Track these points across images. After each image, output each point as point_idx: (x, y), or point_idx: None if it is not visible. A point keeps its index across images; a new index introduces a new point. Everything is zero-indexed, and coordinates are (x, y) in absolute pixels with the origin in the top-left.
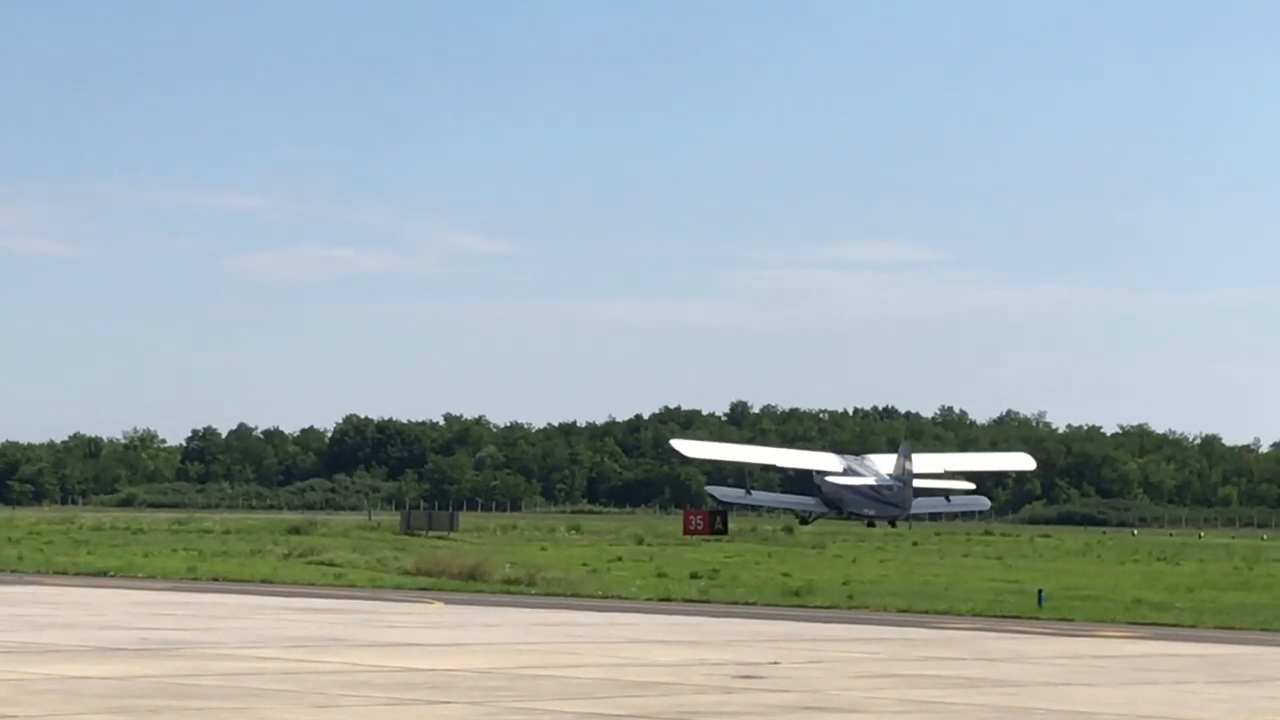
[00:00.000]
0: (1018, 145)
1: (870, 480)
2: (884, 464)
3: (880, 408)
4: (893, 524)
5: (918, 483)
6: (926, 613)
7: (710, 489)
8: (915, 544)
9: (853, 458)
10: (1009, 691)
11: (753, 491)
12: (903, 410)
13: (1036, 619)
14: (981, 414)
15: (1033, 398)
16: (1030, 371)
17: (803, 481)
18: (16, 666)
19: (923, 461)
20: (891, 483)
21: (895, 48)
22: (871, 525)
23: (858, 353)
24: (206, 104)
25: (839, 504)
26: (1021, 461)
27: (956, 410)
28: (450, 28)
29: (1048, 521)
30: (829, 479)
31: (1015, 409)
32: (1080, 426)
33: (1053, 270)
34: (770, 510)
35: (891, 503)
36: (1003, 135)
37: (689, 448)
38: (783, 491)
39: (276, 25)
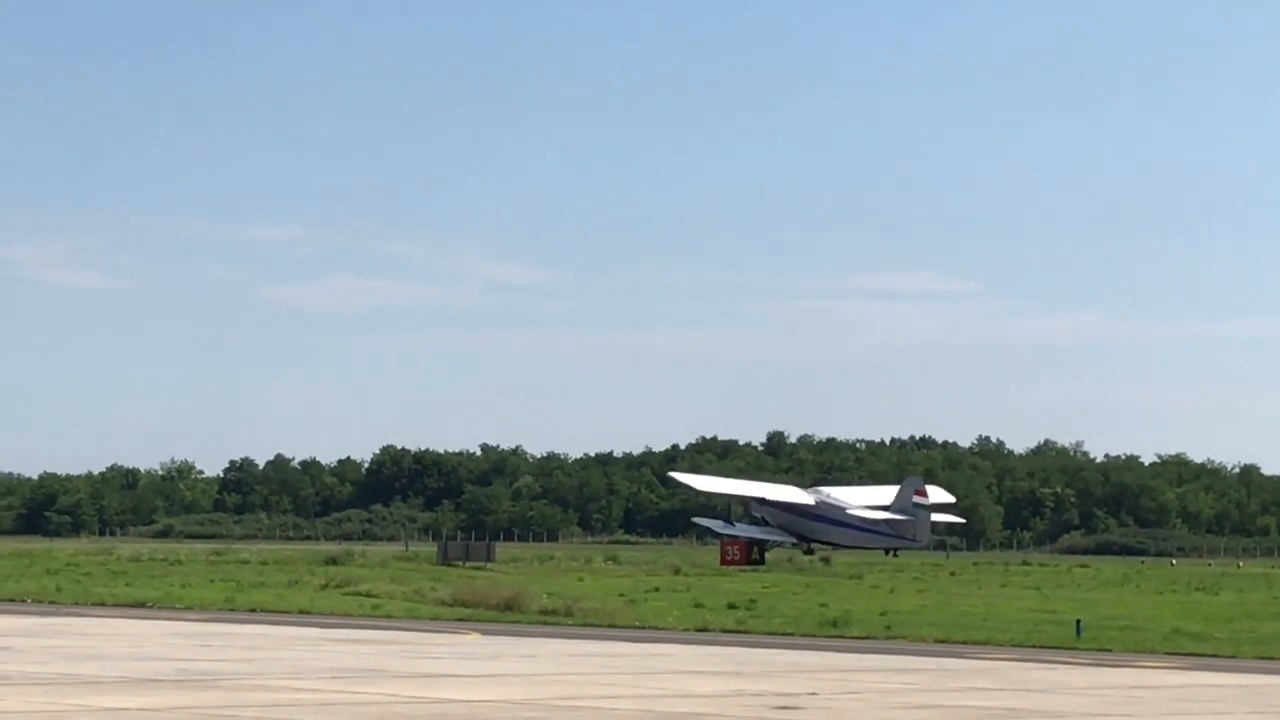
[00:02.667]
0: (1053, 175)
1: (883, 514)
2: (846, 496)
3: (917, 437)
4: (894, 554)
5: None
6: (964, 643)
7: (696, 519)
8: (953, 574)
9: (817, 490)
10: None
11: (735, 523)
12: (940, 440)
13: (1075, 649)
14: (1019, 444)
15: (1070, 427)
16: (1068, 401)
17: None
18: (54, 698)
19: (846, 495)
20: (903, 517)
21: (929, 79)
22: (810, 553)
23: (895, 383)
24: (240, 135)
25: (807, 534)
26: (937, 495)
27: (994, 440)
28: (484, 59)
29: (1086, 551)
30: (851, 511)
31: (1053, 438)
32: (1118, 456)
33: (1090, 299)
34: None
35: (901, 535)
36: (1038, 165)
37: (688, 479)
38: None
39: (311, 57)
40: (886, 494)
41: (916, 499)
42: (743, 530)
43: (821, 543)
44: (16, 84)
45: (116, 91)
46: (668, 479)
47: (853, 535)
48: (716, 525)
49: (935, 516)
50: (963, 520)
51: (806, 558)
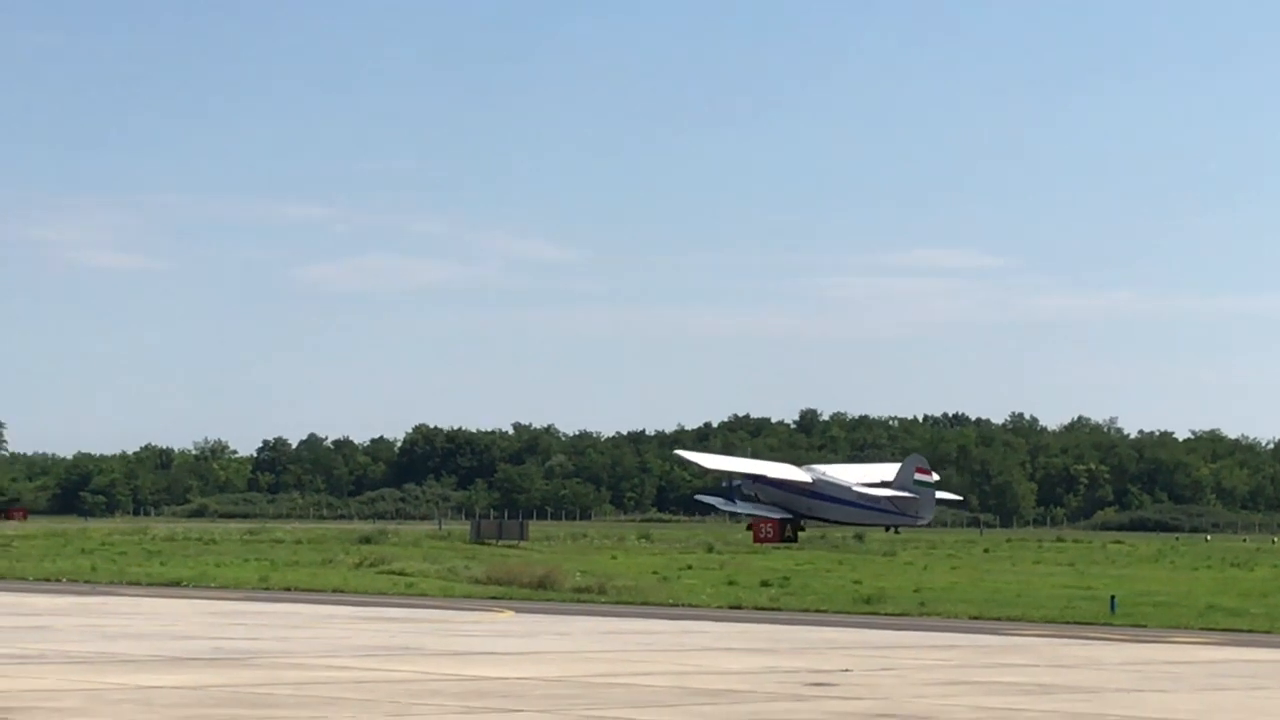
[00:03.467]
0: (1085, 151)
1: (888, 491)
2: (842, 474)
3: (951, 414)
4: (896, 530)
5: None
6: (998, 619)
7: (699, 497)
8: (986, 551)
9: (813, 468)
10: (1082, 698)
11: (736, 501)
12: (973, 417)
13: (1109, 625)
14: (1052, 420)
15: (1104, 403)
16: (1102, 377)
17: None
18: (91, 676)
19: (842, 472)
20: (906, 494)
21: (962, 58)
22: (802, 529)
23: (928, 360)
24: (272, 116)
25: (804, 512)
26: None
27: (1027, 417)
28: (511, 39)
29: (1120, 528)
30: (855, 489)
31: (1087, 415)
32: (1152, 432)
33: (1123, 276)
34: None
35: (903, 512)
36: (1070, 141)
37: (694, 457)
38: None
39: (342, 38)
40: (880, 471)
41: (918, 476)
42: (743, 508)
43: (819, 520)
44: (51, 65)
45: (150, 73)
46: (675, 456)
47: (851, 512)
48: (719, 502)
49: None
50: (960, 498)
51: (800, 532)
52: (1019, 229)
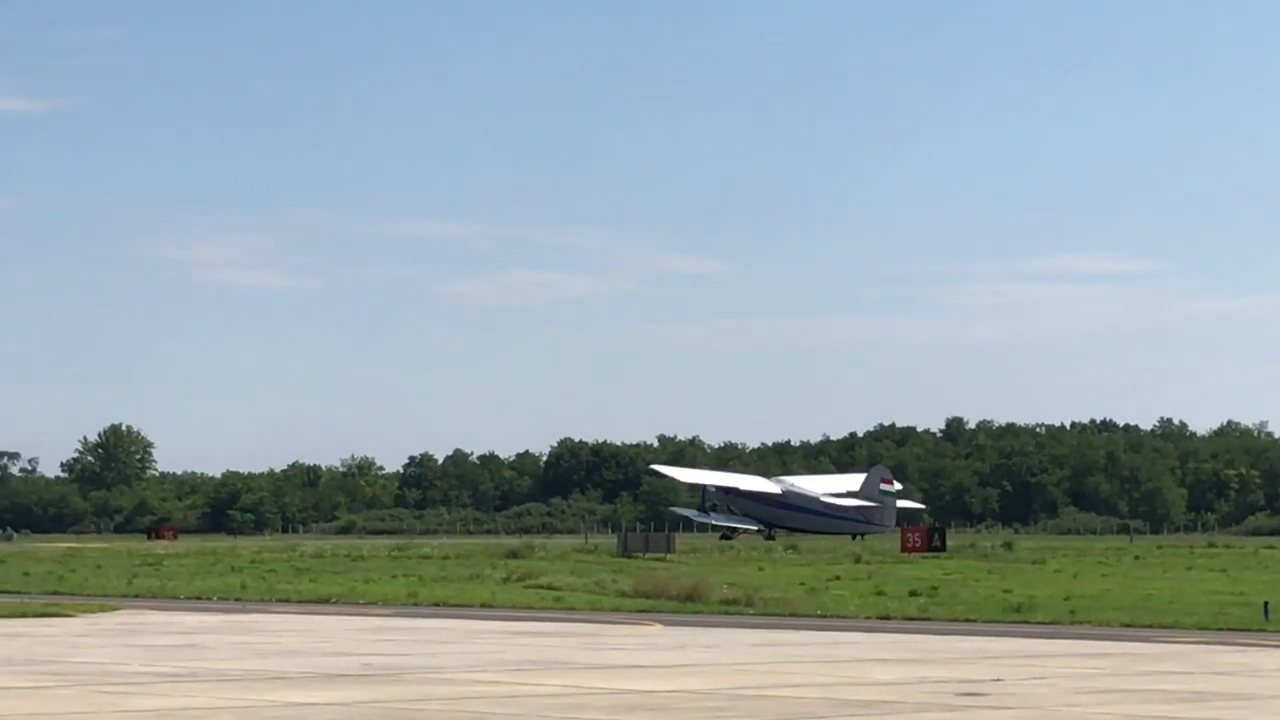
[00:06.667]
0: (1235, 152)
1: (854, 501)
2: (810, 485)
3: (1098, 420)
4: (861, 538)
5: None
6: (1150, 627)
7: (674, 509)
8: (1137, 558)
9: (782, 480)
10: (1237, 705)
11: (709, 512)
12: (1121, 423)
13: (1264, 631)
14: (1202, 425)
15: (1254, 407)
16: (1251, 380)
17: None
18: (242, 694)
19: (810, 483)
20: (872, 503)
21: (1101, 61)
22: (771, 539)
23: (1075, 366)
24: (413, 132)
25: (774, 521)
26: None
27: (1176, 422)
28: (655, 48)
29: (1273, 532)
30: (824, 499)
31: (1236, 419)
32: None
33: (1271, 278)
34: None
35: (869, 520)
36: (1220, 143)
37: (670, 471)
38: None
39: (482, 53)
40: (847, 482)
41: (883, 486)
42: (716, 519)
43: (788, 529)
44: (191, 87)
45: (289, 92)
46: (651, 470)
47: (819, 521)
48: (692, 514)
49: (899, 503)
50: (922, 506)
51: (769, 541)
52: (1165, 233)
